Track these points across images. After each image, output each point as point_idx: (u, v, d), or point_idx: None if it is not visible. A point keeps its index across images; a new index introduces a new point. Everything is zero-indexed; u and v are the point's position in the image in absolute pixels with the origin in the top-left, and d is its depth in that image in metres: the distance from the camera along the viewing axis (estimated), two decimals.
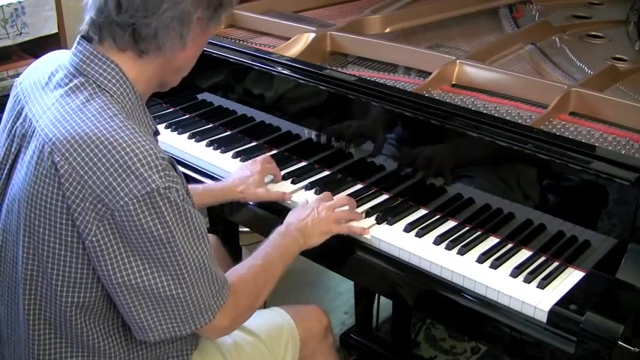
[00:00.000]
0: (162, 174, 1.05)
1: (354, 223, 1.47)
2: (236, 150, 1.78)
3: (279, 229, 1.42)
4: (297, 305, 1.55)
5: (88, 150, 1.05)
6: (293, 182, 1.64)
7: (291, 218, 1.45)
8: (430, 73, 1.68)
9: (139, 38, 1.10)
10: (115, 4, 1.08)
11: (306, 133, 1.72)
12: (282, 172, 1.67)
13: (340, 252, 1.48)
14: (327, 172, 1.69)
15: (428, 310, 1.57)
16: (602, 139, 1.44)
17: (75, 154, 1.06)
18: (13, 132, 1.20)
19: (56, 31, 2.34)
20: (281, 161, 1.72)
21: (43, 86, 1.18)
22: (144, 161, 1.05)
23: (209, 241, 1.16)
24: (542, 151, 1.33)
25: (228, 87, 1.89)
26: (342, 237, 1.48)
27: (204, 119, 1.95)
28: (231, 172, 1.68)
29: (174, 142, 1.85)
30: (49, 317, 1.17)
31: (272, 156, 1.74)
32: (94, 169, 1.05)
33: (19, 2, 2.22)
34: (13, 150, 1.19)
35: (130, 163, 1.04)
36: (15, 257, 1.18)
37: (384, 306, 2.25)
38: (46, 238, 1.11)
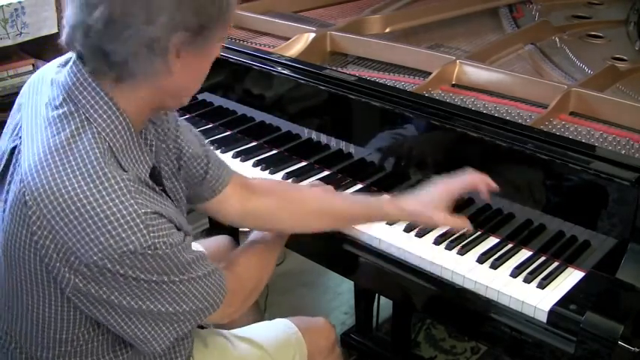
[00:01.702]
0: (144, 232, 0.99)
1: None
2: (236, 150, 1.78)
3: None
4: (305, 318, 1.53)
5: (61, 200, 0.99)
6: (293, 182, 1.64)
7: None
8: (430, 73, 1.68)
9: (111, 64, 1.01)
10: (81, 28, 1.00)
11: (306, 133, 1.72)
12: (282, 172, 1.68)
13: (340, 252, 1.48)
14: (327, 172, 1.69)
15: (428, 310, 1.57)
16: (602, 139, 1.44)
17: (47, 202, 0.99)
18: (13, 136, 1.15)
19: (56, 31, 2.34)
20: (281, 161, 1.72)
21: (38, 90, 1.12)
22: (122, 220, 0.98)
23: (202, 253, 1.14)
24: (542, 151, 1.33)
25: (228, 87, 1.89)
26: (342, 237, 1.48)
27: (204, 119, 1.95)
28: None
29: None
30: (34, 352, 1.14)
31: (272, 156, 1.75)
32: (66, 220, 0.98)
33: (19, 2, 2.22)
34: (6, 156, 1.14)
35: (105, 221, 0.98)
36: None
37: (384, 306, 2.25)
38: (23, 278, 1.06)
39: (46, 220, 1.00)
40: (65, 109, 1.05)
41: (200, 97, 1.96)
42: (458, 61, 1.69)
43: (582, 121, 1.51)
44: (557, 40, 1.95)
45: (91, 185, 0.99)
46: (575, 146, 1.33)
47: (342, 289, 2.64)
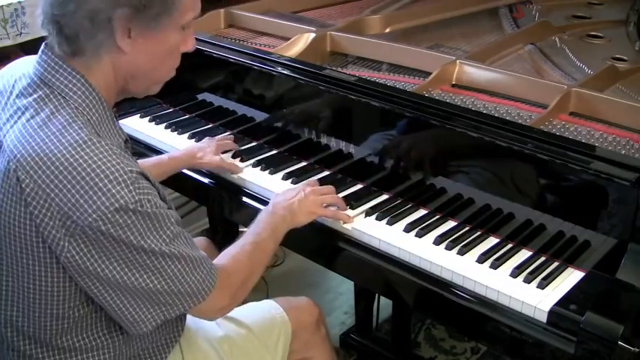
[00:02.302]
0: (130, 188, 1.04)
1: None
2: (236, 150, 1.78)
3: (267, 209, 1.45)
4: (288, 297, 1.57)
5: (53, 168, 1.04)
6: (293, 183, 1.64)
7: (277, 198, 1.48)
8: (430, 73, 1.68)
9: (67, 38, 1.08)
10: (42, 3, 1.08)
11: (306, 133, 1.72)
12: (283, 172, 1.68)
13: (340, 252, 1.48)
14: (327, 172, 1.69)
15: (428, 310, 1.57)
16: (602, 139, 1.44)
17: (40, 172, 1.04)
18: None
19: None
20: (281, 161, 1.72)
21: (8, 95, 1.16)
22: (111, 177, 1.04)
23: (190, 236, 1.17)
24: (542, 151, 1.32)
25: (228, 87, 1.89)
26: (342, 237, 1.48)
27: (204, 119, 1.95)
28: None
29: (174, 142, 1.85)
30: (26, 330, 1.17)
31: (272, 156, 1.75)
32: (60, 186, 1.04)
33: (19, 2, 2.22)
34: None
35: (96, 179, 1.03)
36: None
37: (384, 306, 2.25)
38: (18, 254, 1.10)
39: (41, 190, 1.04)
40: (40, 92, 1.11)
41: (200, 97, 1.97)
42: (458, 61, 1.69)
43: (582, 121, 1.51)
44: (557, 40, 1.95)
45: (79, 149, 1.05)
46: (575, 146, 1.33)
47: (342, 289, 2.64)
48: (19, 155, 1.06)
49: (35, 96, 1.11)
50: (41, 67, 1.12)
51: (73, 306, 1.14)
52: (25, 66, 1.18)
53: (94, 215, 1.03)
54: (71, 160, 1.04)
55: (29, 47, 2.36)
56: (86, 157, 1.04)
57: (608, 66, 1.72)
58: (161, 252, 1.10)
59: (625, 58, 1.83)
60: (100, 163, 1.04)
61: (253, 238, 1.35)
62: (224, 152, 1.74)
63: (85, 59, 1.11)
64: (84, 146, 1.05)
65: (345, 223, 1.48)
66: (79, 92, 1.11)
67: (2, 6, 2.20)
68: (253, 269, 1.32)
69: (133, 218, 1.05)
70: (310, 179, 1.60)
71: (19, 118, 1.11)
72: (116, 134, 1.17)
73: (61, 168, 1.04)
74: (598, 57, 1.83)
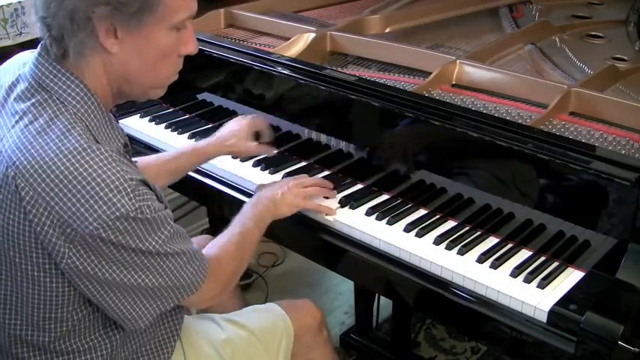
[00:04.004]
0: (131, 196, 1.04)
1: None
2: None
3: (251, 200, 1.48)
4: (290, 300, 1.58)
5: (53, 176, 1.03)
6: None
7: (262, 191, 1.51)
8: (430, 73, 1.68)
9: (55, 39, 1.08)
10: (35, 5, 1.08)
11: (306, 133, 1.72)
12: (282, 172, 1.68)
13: (340, 252, 1.48)
14: (327, 172, 1.69)
15: (428, 310, 1.57)
16: (602, 139, 1.44)
17: (40, 180, 1.03)
18: None
19: None
20: (281, 161, 1.72)
21: (5, 97, 1.15)
22: (111, 185, 1.03)
23: (183, 231, 1.19)
24: (542, 151, 1.32)
25: (228, 87, 1.89)
26: (342, 237, 1.48)
27: (204, 119, 1.95)
28: (232, 172, 1.69)
29: (174, 142, 1.85)
30: (24, 337, 1.17)
31: (272, 156, 1.74)
32: (60, 195, 1.03)
33: (19, 2, 2.22)
34: None
35: (97, 188, 1.03)
36: None
37: (384, 306, 2.25)
38: (17, 261, 1.10)
39: (40, 198, 1.03)
40: (38, 97, 1.10)
41: (200, 97, 1.97)
42: (458, 61, 1.69)
43: (582, 121, 1.51)
44: (557, 40, 1.95)
45: (78, 157, 1.04)
46: (575, 146, 1.33)
47: (342, 289, 2.64)
48: (17, 162, 1.05)
49: (33, 100, 1.10)
50: (39, 71, 1.11)
51: (71, 309, 1.14)
52: (18, 66, 1.17)
53: (94, 224, 1.03)
54: (71, 168, 1.03)
55: (29, 47, 2.35)
56: (86, 166, 1.04)
57: (608, 66, 1.72)
58: (158, 252, 1.11)
59: (625, 58, 1.83)
60: (100, 171, 1.04)
61: (240, 228, 1.38)
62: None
63: (76, 61, 1.10)
64: (83, 154, 1.04)
65: (327, 215, 1.50)
66: (78, 97, 1.10)
67: (2, 6, 2.20)
68: (242, 257, 1.35)
69: (133, 225, 1.05)
70: (300, 175, 1.61)
71: (17, 122, 1.09)
72: (115, 139, 1.16)
73: (61, 177, 1.03)
74: (598, 57, 1.83)
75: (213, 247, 1.33)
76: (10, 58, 1.27)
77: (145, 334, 1.27)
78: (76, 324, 1.16)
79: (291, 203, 1.48)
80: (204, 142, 1.68)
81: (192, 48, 1.18)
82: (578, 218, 1.32)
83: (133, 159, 1.25)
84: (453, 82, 1.68)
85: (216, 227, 2.19)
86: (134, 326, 1.16)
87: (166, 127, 1.92)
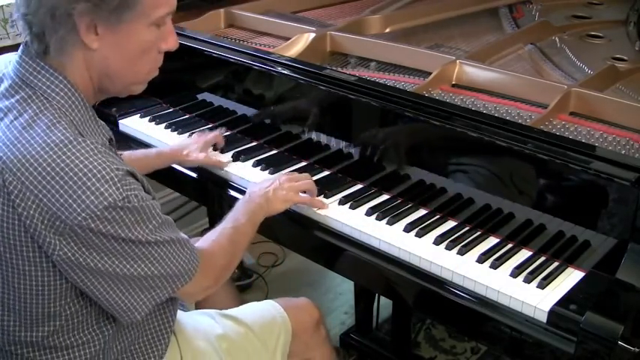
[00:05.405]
0: (118, 185, 1.06)
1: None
2: (236, 150, 1.78)
3: (244, 197, 1.50)
4: (289, 298, 1.58)
5: (40, 169, 1.04)
6: None
7: (254, 188, 1.53)
8: (430, 73, 1.68)
9: (37, 36, 1.09)
10: (17, 2, 1.09)
11: (306, 133, 1.72)
12: (283, 172, 1.67)
13: (340, 252, 1.48)
14: (327, 172, 1.69)
15: (428, 310, 1.57)
16: (602, 139, 1.44)
17: (27, 174, 1.05)
18: None
19: None
20: (281, 161, 1.72)
21: None
22: (98, 175, 1.05)
23: (171, 220, 1.20)
24: (542, 151, 1.32)
25: (228, 87, 1.89)
26: (342, 237, 1.48)
27: (204, 119, 1.95)
28: (231, 171, 1.70)
29: (174, 142, 1.85)
30: (17, 333, 1.17)
31: (272, 156, 1.75)
32: (48, 187, 1.04)
33: None
34: None
35: (84, 179, 1.04)
36: None
37: (384, 306, 2.26)
38: (8, 256, 1.10)
39: (29, 192, 1.05)
40: (22, 94, 1.11)
41: (200, 97, 1.97)
42: (458, 61, 1.69)
43: (582, 121, 1.51)
44: (557, 40, 1.95)
45: (65, 149, 1.05)
46: (575, 146, 1.33)
47: (342, 289, 2.64)
48: (4, 158, 1.07)
49: (18, 97, 1.11)
50: (22, 68, 1.12)
51: (64, 303, 1.15)
52: (3, 64, 1.18)
53: (83, 214, 1.04)
54: (58, 160, 1.04)
55: None
56: (73, 157, 1.05)
57: (608, 66, 1.72)
58: (148, 241, 1.12)
59: (625, 58, 1.83)
60: (86, 162, 1.05)
61: (232, 223, 1.39)
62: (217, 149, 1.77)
63: (58, 57, 1.10)
64: (70, 146, 1.06)
65: (319, 209, 1.52)
66: (62, 93, 1.11)
67: (2, 6, 2.21)
68: (234, 251, 1.36)
69: (121, 214, 1.06)
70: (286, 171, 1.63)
71: (2, 119, 1.11)
72: (99, 133, 1.17)
73: (48, 169, 1.04)
74: (598, 57, 1.83)
75: (205, 240, 1.34)
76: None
77: (137, 328, 1.27)
78: (69, 318, 1.17)
79: (283, 199, 1.49)
80: (167, 148, 1.77)
81: (172, 44, 1.19)
82: (578, 218, 1.32)
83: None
84: (453, 82, 1.68)
85: (215, 226, 2.19)
86: (130, 318, 1.16)
87: (166, 127, 1.92)
